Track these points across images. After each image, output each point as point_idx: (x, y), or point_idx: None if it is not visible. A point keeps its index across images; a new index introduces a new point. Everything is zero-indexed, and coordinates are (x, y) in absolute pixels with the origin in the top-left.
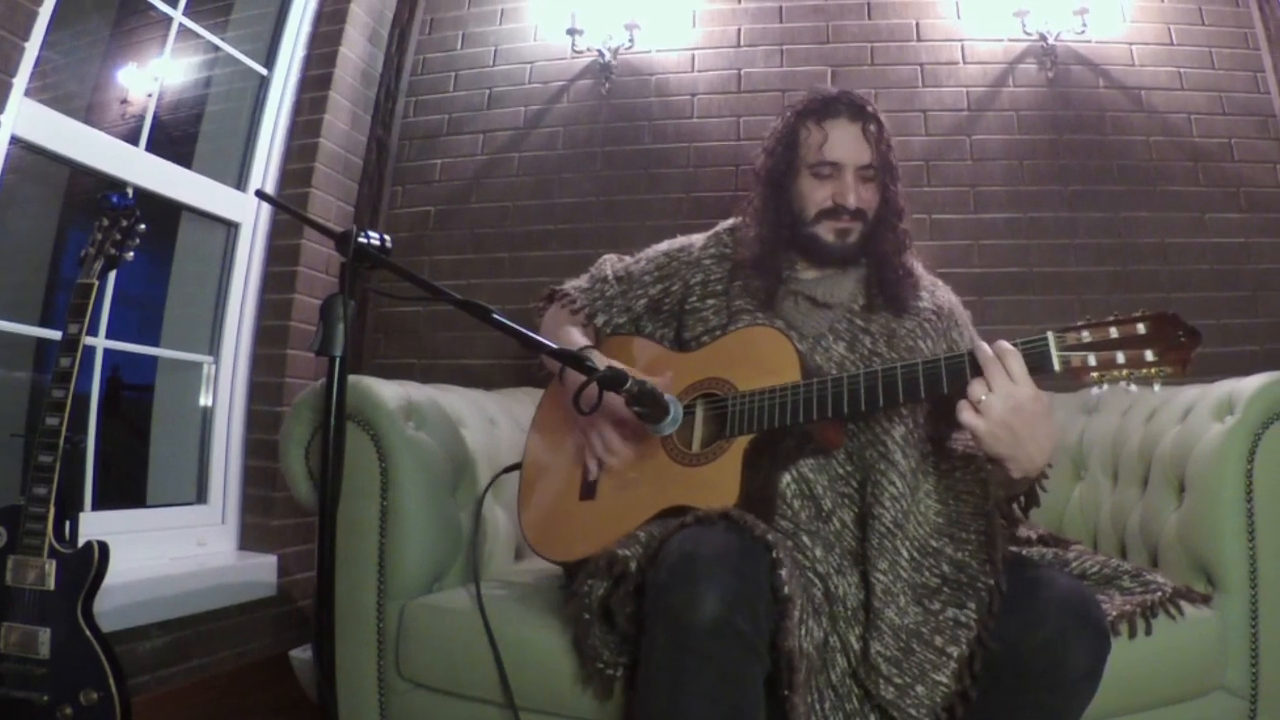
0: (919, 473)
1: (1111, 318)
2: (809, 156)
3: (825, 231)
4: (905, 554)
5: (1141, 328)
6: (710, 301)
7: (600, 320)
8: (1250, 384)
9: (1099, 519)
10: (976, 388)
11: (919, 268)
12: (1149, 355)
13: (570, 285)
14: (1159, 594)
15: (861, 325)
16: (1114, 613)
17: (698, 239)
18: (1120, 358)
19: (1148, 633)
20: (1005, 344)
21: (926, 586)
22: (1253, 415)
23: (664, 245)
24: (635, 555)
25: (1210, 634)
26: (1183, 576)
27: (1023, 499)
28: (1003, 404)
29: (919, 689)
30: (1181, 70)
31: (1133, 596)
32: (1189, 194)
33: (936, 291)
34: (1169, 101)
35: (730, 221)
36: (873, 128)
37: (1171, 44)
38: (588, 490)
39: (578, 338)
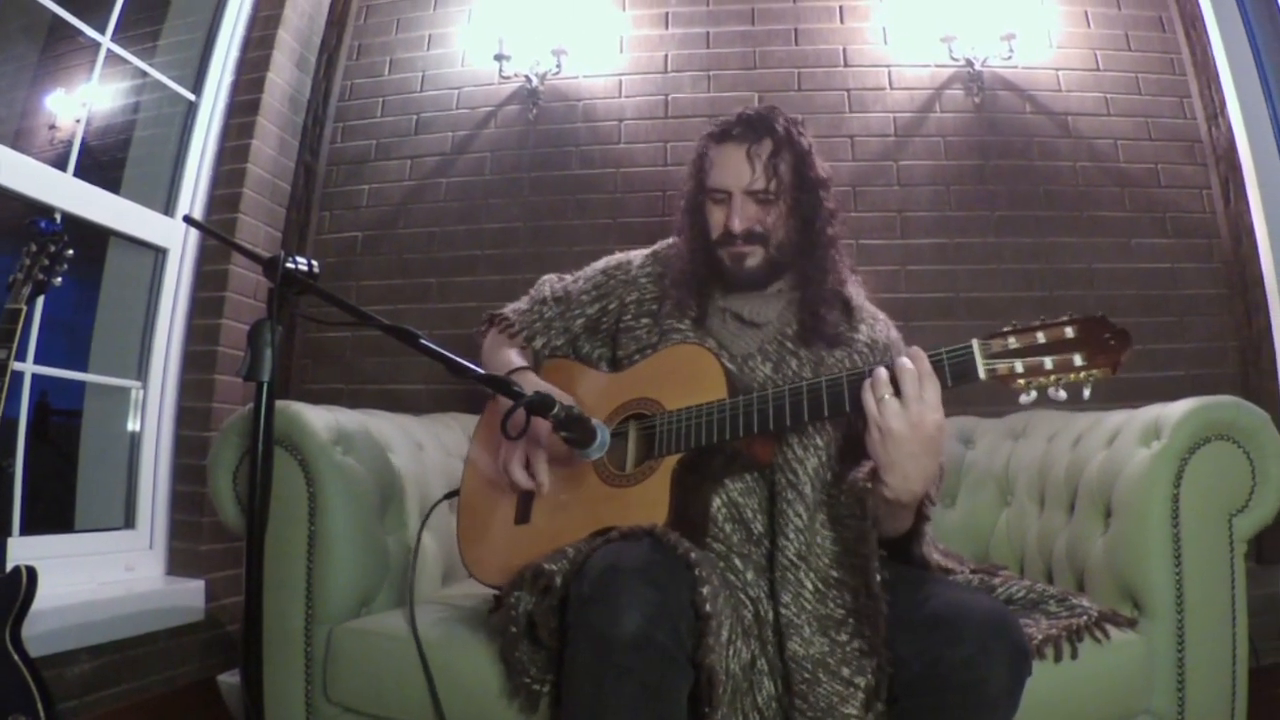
0: (818, 504)
1: (1038, 322)
2: (705, 181)
3: (725, 257)
4: (810, 585)
5: (1069, 331)
6: (644, 320)
7: (539, 343)
8: (1177, 409)
9: (1025, 544)
10: (883, 387)
11: (858, 298)
12: (1077, 359)
13: (510, 309)
14: (1085, 618)
15: (790, 349)
16: (1040, 636)
17: (636, 257)
18: (1048, 363)
19: (1073, 656)
20: (929, 367)
21: (832, 618)
22: (1179, 440)
23: (602, 263)
24: (561, 570)
25: (1136, 658)
26: (1109, 601)
27: (912, 546)
28: (901, 417)
29: None
30: (1108, 96)
31: (1058, 620)
32: (1116, 219)
33: (876, 325)
34: (1096, 127)
35: (669, 241)
36: (761, 148)
37: (1098, 70)
38: (523, 514)
39: (514, 358)
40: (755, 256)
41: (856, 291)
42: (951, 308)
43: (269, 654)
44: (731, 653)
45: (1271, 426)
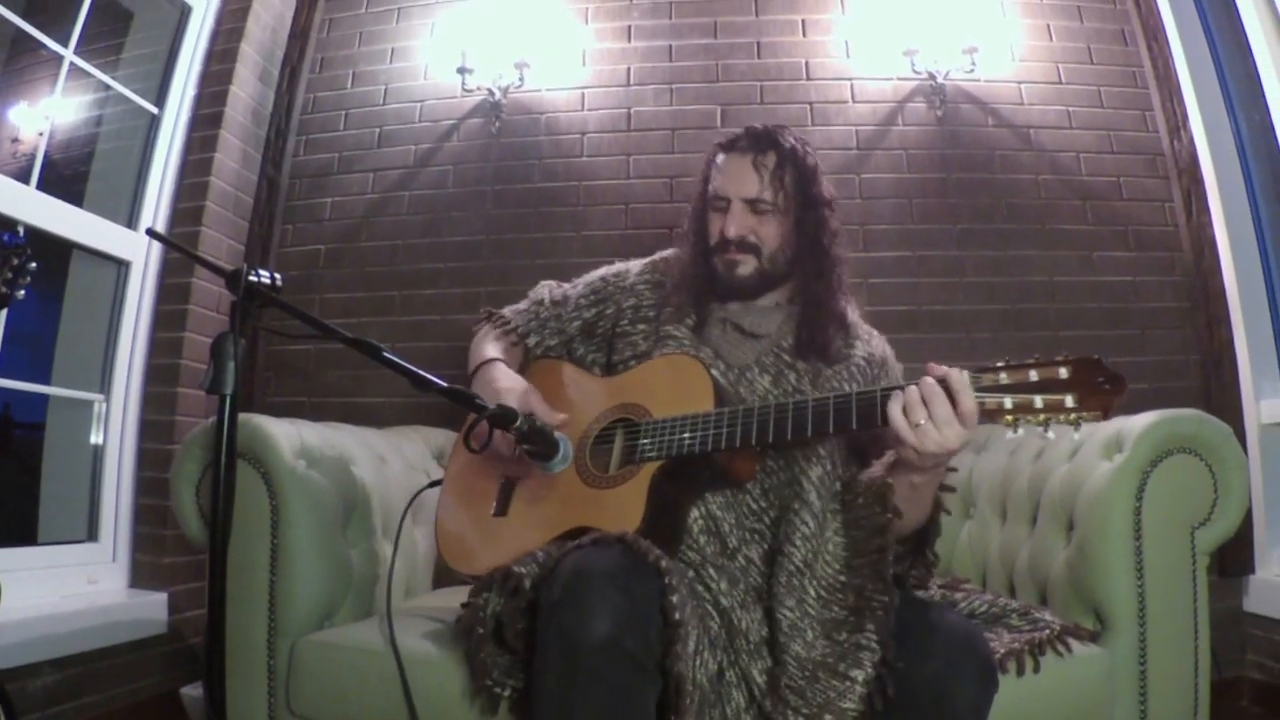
0: (827, 512)
1: (1032, 360)
2: (708, 190)
3: (719, 264)
4: (813, 592)
5: (1063, 372)
6: (640, 326)
7: (532, 340)
8: (1139, 422)
9: (988, 557)
10: (918, 412)
11: (853, 315)
12: (1069, 401)
13: (508, 309)
14: (1047, 632)
15: (788, 361)
16: (1002, 650)
17: (634, 265)
18: (1038, 402)
19: (1036, 670)
20: (961, 384)
21: (834, 620)
22: (1141, 453)
23: (601, 271)
24: (530, 573)
25: (1098, 671)
26: (1071, 614)
27: (929, 552)
28: (936, 439)
29: (826, 718)
30: (1070, 109)
31: (1021, 634)
32: (1078, 232)
33: (872, 341)
34: (1058, 140)
35: (670, 251)
36: (767, 159)
37: (1061, 83)
38: (501, 506)
39: (489, 350)
40: (747, 266)
41: (851, 309)
42: (914, 320)
43: (232, 667)
44: (699, 663)
45: (1233, 440)
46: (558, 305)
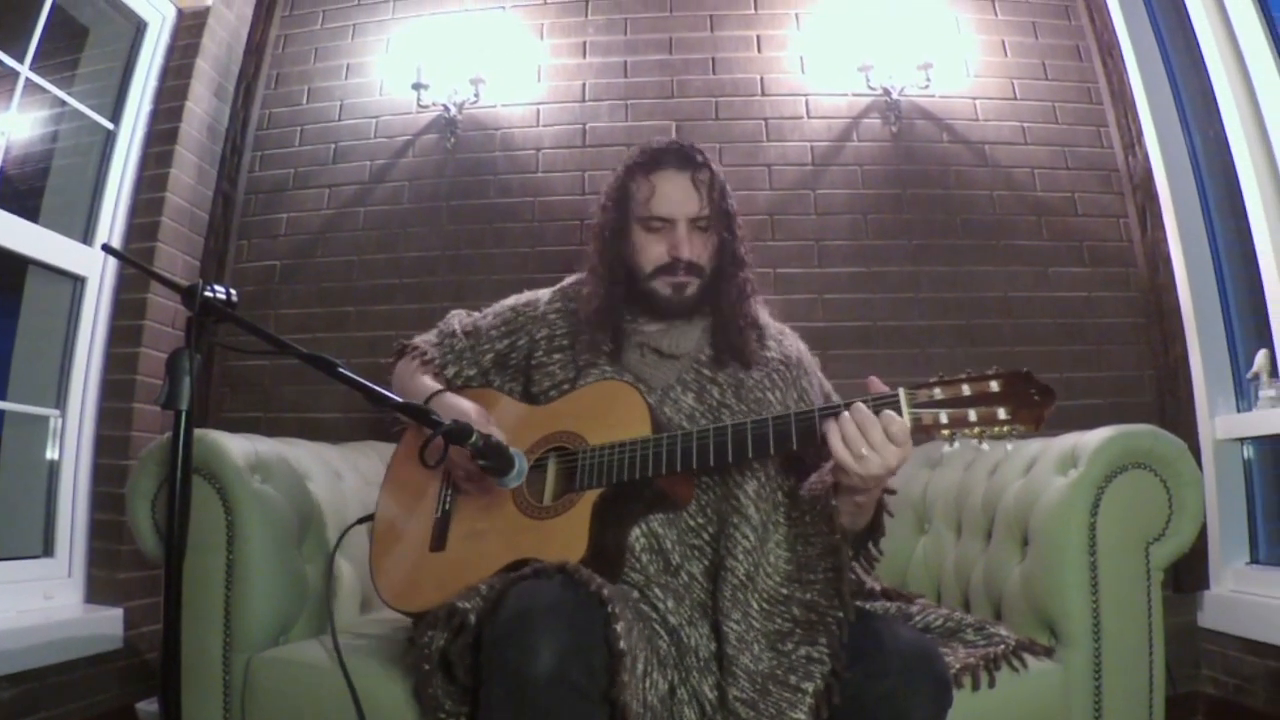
0: (769, 524)
1: (964, 375)
2: (639, 210)
3: (662, 286)
4: (756, 605)
5: (994, 385)
6: (556, 356)
7: (450, 372)
8: (1094, 438)
9: (943, 572)
10: (852, 430)
11: (764, 316)
12: (1002, 413)
13: (420, 339)
14: (1002, 646)
15: (709, 376)
16: (957, 665)
17: (544, 294)
18: (972, 415)
19: (991, 685)
20: (892, 414)
21: (779, 632)
22: (1096, 469)
23: (510, 300)
24: (475, 607)
25: (1053, 686)
26: (1027, 629)
27: (873, 534)
28: (880, 460)
29: None
30: (1025, 125)
31: (976, 649)
32: (1032, 248)
33: (784, 340)
34: (1013, 156)
35: (575, 277)
36: (703, 176)
37: (1015, 98)
38: (438, 541)
39: (430, 383)
40: (694, 286)
41: (763, 311)
42: (869, 336)
43: (187, 682)
44: (649, 684)
45: (1188, 455)
46: (470, 336)
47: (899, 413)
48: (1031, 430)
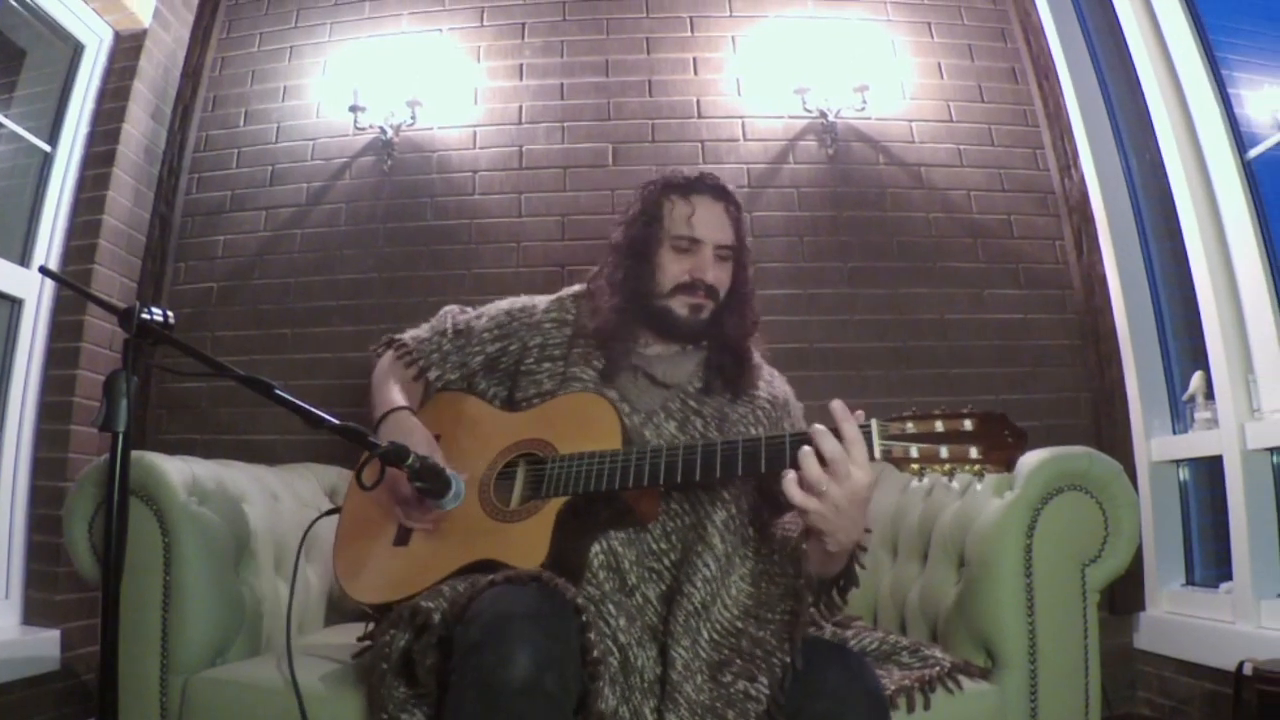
0: (735, 557)
1: (939, 411)
2: (673, 229)
3: (679, 305)
4: (706, 635)
5: (968, 424)
6: (545, 365)
7: (433, 375)
8: (1029, 459)
9: (879, 594)
10: (814, 471)
11: (758, 356)
12: (974, 453)
13: (410, 335)
14: (938, 669)
15: (694, 407)
16: (893, 687)
17: (540, 301)
18: (944, 452)
19: (926, 707)
20: (853, 432)
21: (721, 661)
22: (1032, 491)
23: (505, 303)
24: (439, 608)
25: (989, 708)
26: (963, 651)
27: (841, 582)
28: (842, 492)
29: None
30: (961, 147)
31: (912, 672)
32: (968, 270)
33: (774, 382)
34: (949, 178)
35: (577, 288)
36: (733, 209)
37: (952, 121)
38: (401, 536)
39: (396, 397)
40: (708, 310)
41: (756, 352)
42: (805, 359)
43: (125, 704)
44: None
45: (1124, 477)
46: (461, 336)
47: (870, 444)
48: (1002, 470)
